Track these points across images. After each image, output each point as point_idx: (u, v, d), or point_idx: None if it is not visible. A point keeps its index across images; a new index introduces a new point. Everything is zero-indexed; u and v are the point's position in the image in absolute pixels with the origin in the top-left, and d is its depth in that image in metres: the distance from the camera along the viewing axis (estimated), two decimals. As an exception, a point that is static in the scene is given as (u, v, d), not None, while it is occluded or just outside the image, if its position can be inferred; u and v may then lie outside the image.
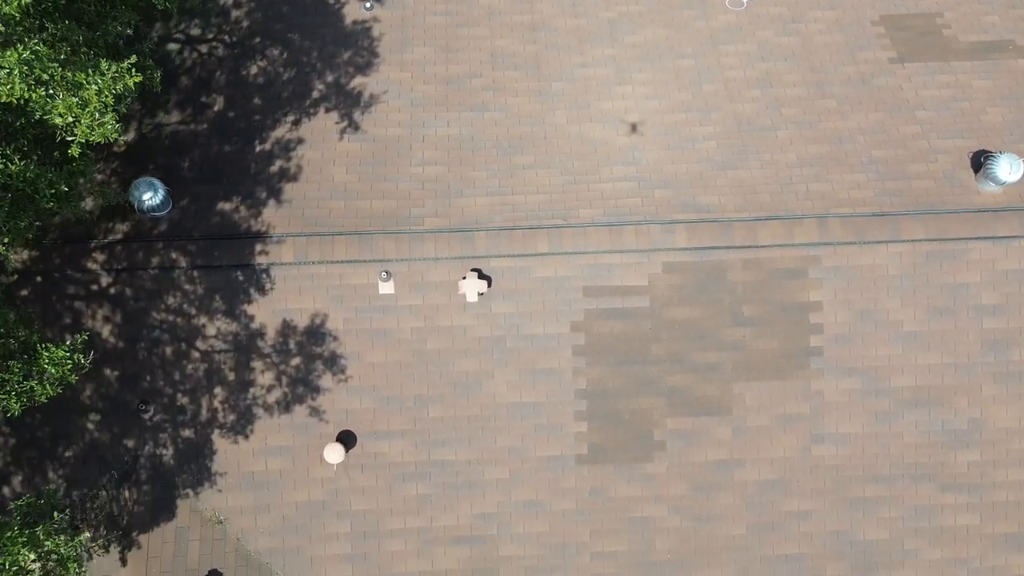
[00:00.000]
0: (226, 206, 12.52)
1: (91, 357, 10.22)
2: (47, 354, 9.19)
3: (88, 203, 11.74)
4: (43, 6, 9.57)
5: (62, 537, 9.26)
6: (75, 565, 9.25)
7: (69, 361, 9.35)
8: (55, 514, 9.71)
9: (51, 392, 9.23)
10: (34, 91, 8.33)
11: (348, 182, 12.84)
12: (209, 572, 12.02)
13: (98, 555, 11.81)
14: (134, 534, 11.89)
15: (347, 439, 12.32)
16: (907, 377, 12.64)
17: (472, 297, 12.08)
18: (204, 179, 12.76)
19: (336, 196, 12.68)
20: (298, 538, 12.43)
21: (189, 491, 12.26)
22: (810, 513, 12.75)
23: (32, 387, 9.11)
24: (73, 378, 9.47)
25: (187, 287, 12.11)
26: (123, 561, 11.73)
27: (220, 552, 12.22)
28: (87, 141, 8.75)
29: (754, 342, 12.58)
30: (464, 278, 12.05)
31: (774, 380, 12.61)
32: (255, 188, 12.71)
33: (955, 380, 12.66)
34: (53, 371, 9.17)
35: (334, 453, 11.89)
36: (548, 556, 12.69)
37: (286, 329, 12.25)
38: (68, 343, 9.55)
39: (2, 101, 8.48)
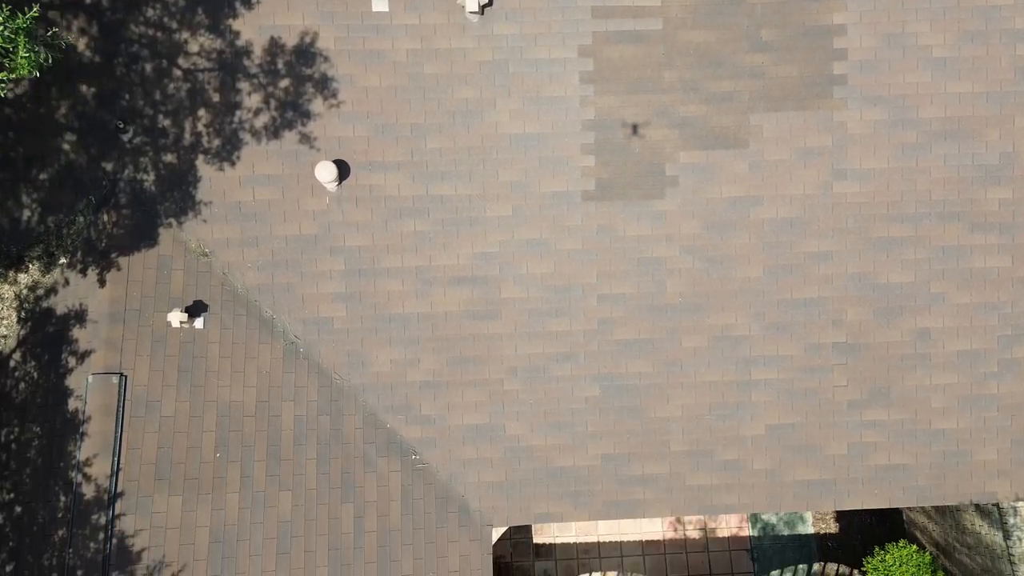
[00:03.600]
0: (209, -77, 11.70)
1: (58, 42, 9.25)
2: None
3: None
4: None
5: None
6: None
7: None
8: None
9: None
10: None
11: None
12: (194, 302, 11.34)
13: (75, 276, 11.12)
14: (113, 256, 11.18)
15: (340, 169, 11.57)
16: (935, 107, 11.88)
17: (473, 6, 11.29)
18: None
19: (327, -85, 11.86)
20: (288, 274, 11.74)
21: (172, 220, 11.54)
22: (830, 254, 12.04)
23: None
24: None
25: None
26: (101, 282, 11.03)
27: (205, 285, 11.53)
28: None
29: (773, 69, 11.80)
30: (464, -12, 11.27)
31: (794, 110, 11.85)
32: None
33: (986, 111, 11.89)
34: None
35: (326, 172, 11.14)
36: (552, 298, 12.00)
37: (274, 48, 11.47)
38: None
39: None
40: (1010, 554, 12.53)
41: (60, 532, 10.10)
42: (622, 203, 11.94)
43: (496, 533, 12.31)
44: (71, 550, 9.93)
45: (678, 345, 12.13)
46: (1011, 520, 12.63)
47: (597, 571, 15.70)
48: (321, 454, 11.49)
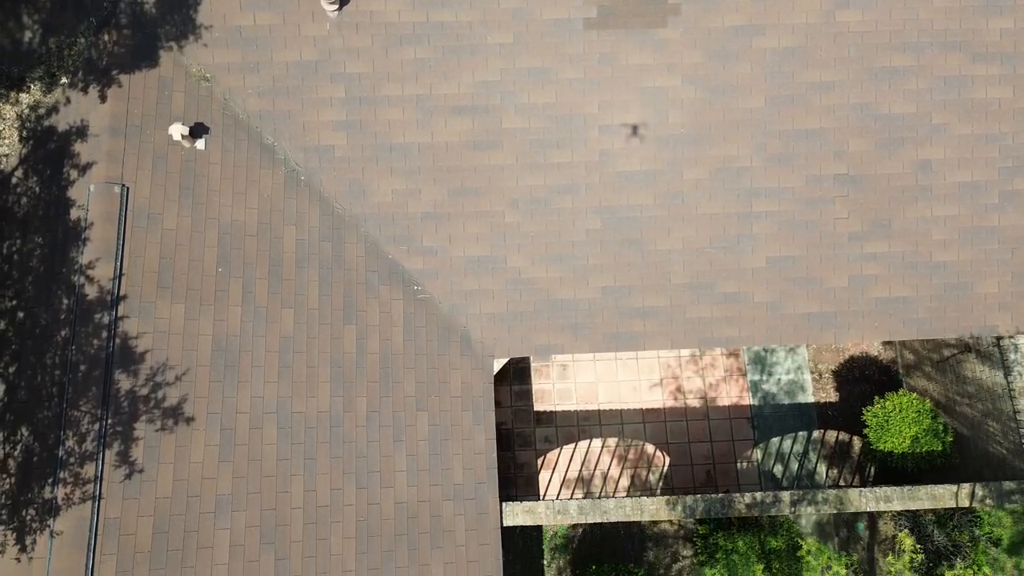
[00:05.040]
0: None
1: None
2: None
3: None
4: None
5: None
6: None
7: None
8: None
9: None
10: None
11: None
12: (195, 124, 11.33)
13: (76, 95, 11.10)
14: (114, 73, 11.15)
15: (340, -6, 11.54)
16: (938, -66, 11.83)
17: None
18: None
19: None
20: (289, 101, 11.72)
21: (172, 44, 11.52)
22: (832, 84, 12.01)
23: None
24: None
25: None
26: (102, 98, 11.01)
27: (206, 110, 11.52)
28: None
29: None
30: None
31: (796, -63, 11.80)
32: None
33: (990, -62, 11.84)
34: None
35: (326, -12, 11.11)
36: (553, 129, 11.98)
37: None
38: None
39: None
40: (1011, 390, 12.55)
41: (63, 332, 10.14)
42: (624, 31, 11.90)
43: (498, 364, 12.36)
44: (74, 347, 9.96)
45: (679, 177, 12.13)
46: (1011, 356, 12.65)
47: (597, 438, 15.76)
48: (323, 277, 11.51)
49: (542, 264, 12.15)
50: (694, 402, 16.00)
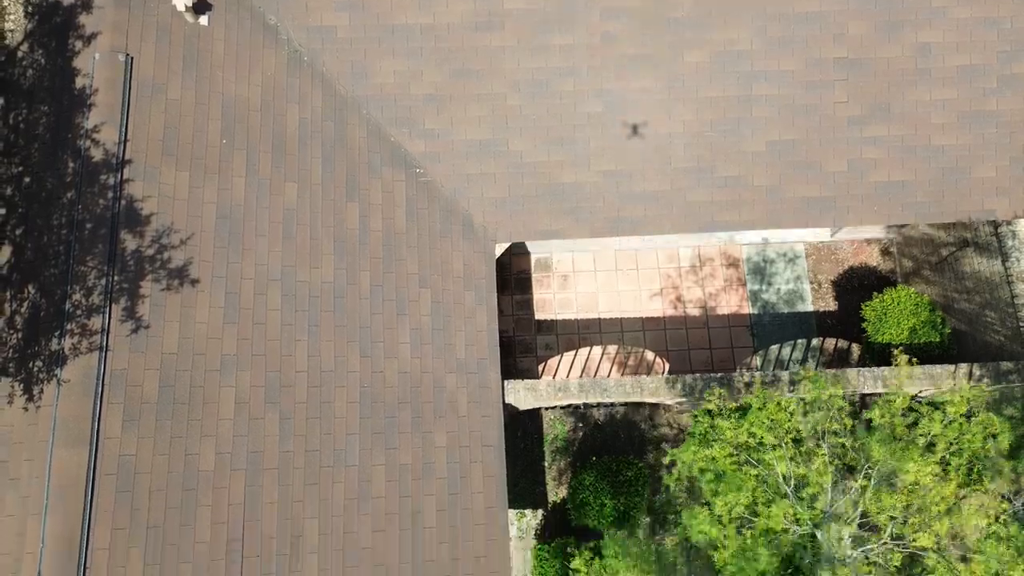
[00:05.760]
0: None
1: None
2: None
3: None
4: None
5: None
6: None
7: None
8: None
9: None
10: None
11: None
12: (198, 0, 11.39)
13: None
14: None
15: None
16: None
17: None
18: None
19: None
20: (292, -19, 11.79)
21: (176, -79, 11.57)
22: (832, -33, 12.08)
23: None
24: None
25: None
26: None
27: (210, -12, 11.57)
28: None
29: None
30: None
31: None
32: None
33: None
34: None
35: None
36: (555, 11, 12.03)
37: None
38: None
39: None
40: (1008, 276, 12.65)
41: (69, 194, 10.22)
42: (625, -87, 11.95)
43: (499, 249, 12.45)
44: (80, 207, 10.06)
45: (680, 60, 12.20)
46: (1009, 243, 12.74)
47: (598, 345, 15.87)
48: (326, 155, 11.59)
49: (544, 148, 12.24)
50: (694, 311, 16.10)
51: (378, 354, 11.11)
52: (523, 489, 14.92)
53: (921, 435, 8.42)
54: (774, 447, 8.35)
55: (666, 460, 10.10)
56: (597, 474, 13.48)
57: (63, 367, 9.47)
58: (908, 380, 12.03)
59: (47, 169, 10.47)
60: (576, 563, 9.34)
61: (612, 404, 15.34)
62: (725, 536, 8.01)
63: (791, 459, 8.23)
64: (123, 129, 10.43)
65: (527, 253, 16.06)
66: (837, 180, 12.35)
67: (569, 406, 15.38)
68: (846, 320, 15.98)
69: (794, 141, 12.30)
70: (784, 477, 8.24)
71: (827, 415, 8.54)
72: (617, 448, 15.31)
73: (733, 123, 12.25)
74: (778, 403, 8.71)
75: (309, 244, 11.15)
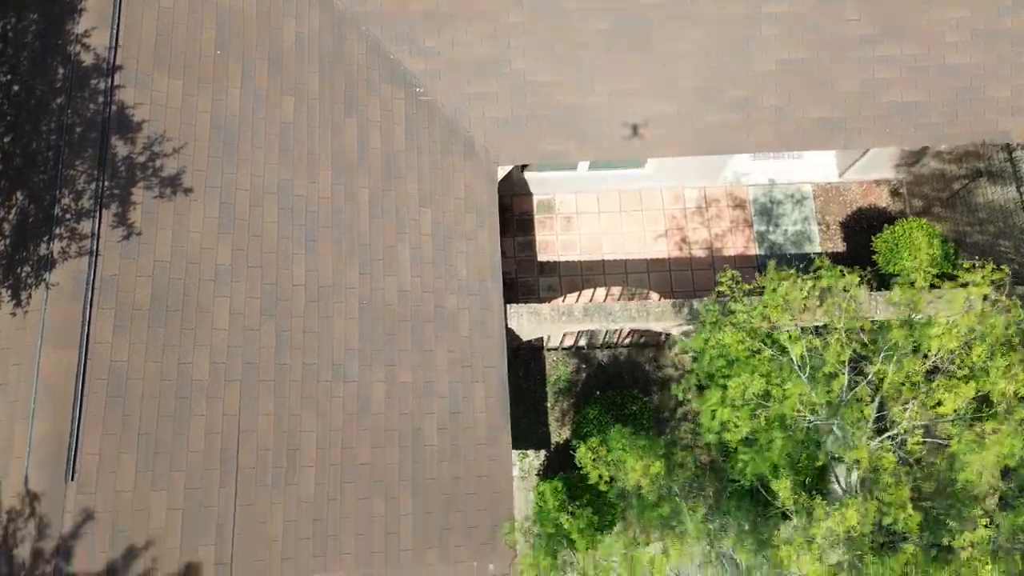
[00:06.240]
0: None
1: None
2: None
3: None
4: None
5: None
6: None
7: None
8: None
9: None
10: None
11: None
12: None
13: None
14: None
15: None
16: None
17: None
18: None
19: None
20: None
21: None
22: None
23: None
24: None
25: None
26: None
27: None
28: None
29: None
30: None
31: None
32: None
33: None
34: None
35: None
36: (560, -75, 11.72)
37: None
38: None
39: None
40: (1023, 202, 12.34)
41: (59, 100, 9.91)
42: None
43: (502, 171, 12.15)
44: (70, 111, 9.74)
45: (687, -23, 11.87)
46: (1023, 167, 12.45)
47: (601, 287, 15.56)
48: (323, 71, 11.27)
49: (547, 68, 11.91)
50: (699, 252, 15.79)
51: (378, 271, 10.80)
52: (525, 430, 14.63)
53: (943, 316, 8.12)
54: (789, 334, 8.04)
55: (674, 352, 9.77)
56: (601, 408, 13.19)
57: (52, 271, 9.16)
58: (921, 302, 11.73)
59: (36, 77, 10.15)
60: (581, 452, 8.97)
61: (616, 345, 15.05)
62: (738, 418, 7.71)
63: (806, 341, 7.92)
64: (114, 33, 10.11)
65: (529, 194, 15.74)
66: (849, 100, 12.03)
67: (571, 347, 15.08)
68: (854, 262, 15.62)
69: (805, 60, 11.98)
70: (800, 363, 7.94)
71: (843, 301, 8.24)
72: (621, 388, 15.02)
73: (742, 42, 11.92)
74: (793, 281, 8.39)
75: (307, 158, 10.84)
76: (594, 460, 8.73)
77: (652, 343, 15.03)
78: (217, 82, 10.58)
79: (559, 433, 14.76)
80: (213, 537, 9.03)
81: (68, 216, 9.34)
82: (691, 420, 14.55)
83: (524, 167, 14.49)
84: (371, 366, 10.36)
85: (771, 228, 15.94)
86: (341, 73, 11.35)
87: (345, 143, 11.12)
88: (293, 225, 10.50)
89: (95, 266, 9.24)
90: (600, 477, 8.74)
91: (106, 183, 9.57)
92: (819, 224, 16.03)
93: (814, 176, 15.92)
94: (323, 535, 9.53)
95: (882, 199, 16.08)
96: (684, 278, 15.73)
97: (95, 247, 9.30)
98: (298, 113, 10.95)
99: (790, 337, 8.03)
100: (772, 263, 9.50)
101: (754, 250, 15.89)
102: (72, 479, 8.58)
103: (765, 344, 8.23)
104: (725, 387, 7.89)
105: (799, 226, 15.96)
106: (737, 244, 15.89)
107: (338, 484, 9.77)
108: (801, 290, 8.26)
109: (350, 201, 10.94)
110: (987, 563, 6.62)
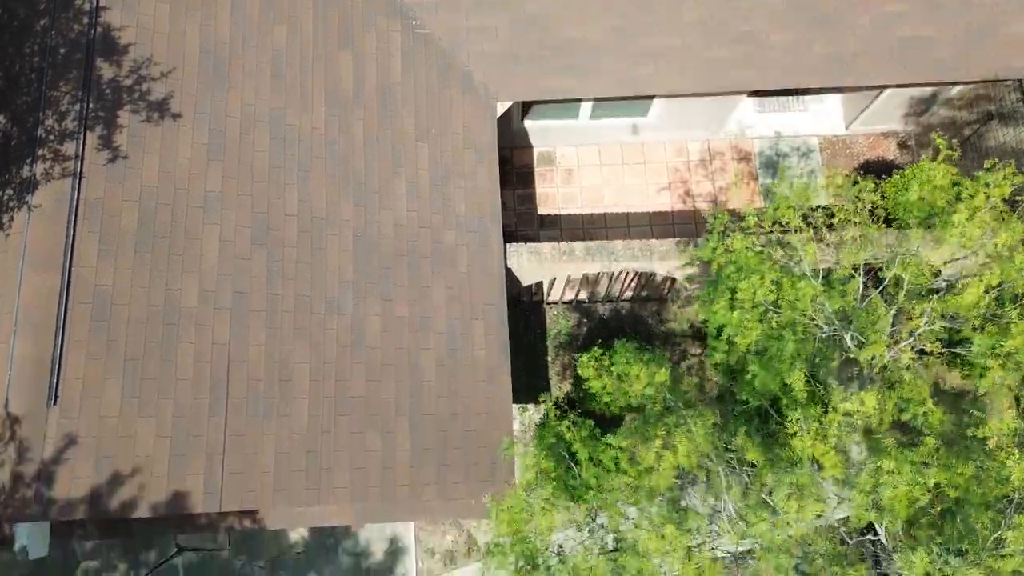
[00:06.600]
0: None
1: None
2: None
3: None
4: None
5: None
6: None
7: None
8: None
9: None
10: None
11: None
12: None
13: None
14: None
15: None
16: None
17: None
18: None
19: None
20: None
21: None
22: None
23: None
24: None
25: None
26: None
27: None
28: None
29: None
30: None
31: None
32: None
33: None
34: None
35: None
36: None
37: None
38: None
39: None
40: (1035, 137, 12.01)
41: (42, 22, 9.56)
42: None
43: (501, 107, 11.80)
44: (53, 32, 9.40)
45: (692, -93, 11.51)
46: (1038, 105, 12.10)
47: (603, 240, 15.22)
48: (317, 3, 10.91)
49: (549, 1, 11.55)
50: (703, 205, 15.46)
51: (373, 205, 10.46)
52: (525, 383, 14.30)
53: (964, 208, 7.78)
54: (800, 230, 7.70)
55: (681, 263, 9.42)
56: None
57: (34, 193, 8.83)
58: (935, 245, 11.40)
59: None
60: (583, 361, 8.57)
61: (617, 299, 14.71)
62: (748, 319, 7.37)
63: (819, 240, 7.57)
64: (99, -46, 9.75)
65: (529, 146, 15.40)
66: (859, 35, 11.67)
67: (572, 301, 14.75)
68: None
69: (813, -7, 11.63)
70: (812, 269, 7.61)
71: (855, 208, 7.91)
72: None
73: (748, -26, 11.57)
74: (806, 185, 8.04)
75: (299, 89, 10.49)
76: (597, 371, 8.39)
77: (655, 296, 14.70)
78: (205, 7, 10.23)
79: (560, 387, 14.44)
80: (202, 466, 8.71)
81: (51, 138, 9.01)
82: (696, 373, 14.24)
83: (524, 115, 14.14)
84: (366, 299, 10.03)
85: (776, 180, 15.58)
86: (335, 2, 11.00)
87: (339, 75, 10.77)
88: (285, 155, 10.16)
89: (79, 188, 8.91)
90: (603, 388, 8.39)
91: (91, 105, 9.23)
92: (826, 177, 15.68)
93: (820, 128, 15.58)
94: (316, 468, 9.21)
95: (890, 151, 15.73)
96: (687, 231, 15.38)
97: (79, 169, 8.96)
98: (291, 41, 10.60)
99: (801, 232, 7.62)
100: (783, 167, 9.07)
101: (760, 203, 15.55)
102: (55, 403, 8.26)
103: (779, 240, 7.89)
104: (734, 291, 7.56)
105: (805, 178, 15.61)
106: (742, 197, 15.54)
107: (332, 416, 9.45)
108: (814, 191, 7.90)
109: (344, 133, 10.60)
110: (1014, 452, 6.31)
